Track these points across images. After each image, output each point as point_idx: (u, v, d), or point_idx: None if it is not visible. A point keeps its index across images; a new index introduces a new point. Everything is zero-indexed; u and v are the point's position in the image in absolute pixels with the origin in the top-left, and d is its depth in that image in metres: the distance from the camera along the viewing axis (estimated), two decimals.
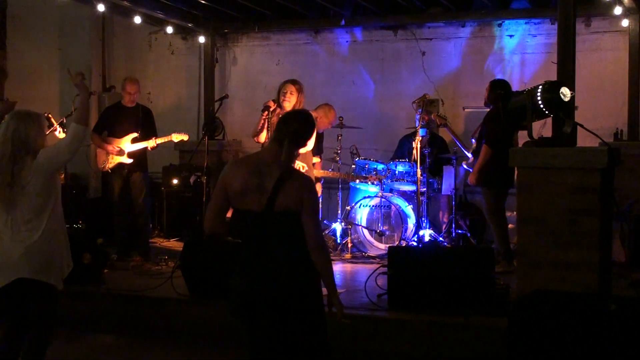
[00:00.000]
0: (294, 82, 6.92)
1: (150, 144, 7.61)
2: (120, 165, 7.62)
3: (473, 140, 7.57)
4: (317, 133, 7.19)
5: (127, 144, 7.60)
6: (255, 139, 6.92)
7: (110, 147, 7.56)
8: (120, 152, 7.57)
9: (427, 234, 7.77)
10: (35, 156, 4.13)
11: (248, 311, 3.50)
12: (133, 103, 7.75)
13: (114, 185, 7.75)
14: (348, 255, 7.95)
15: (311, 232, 3.47)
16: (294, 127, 3.57)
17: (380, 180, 8.01)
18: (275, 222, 3.45)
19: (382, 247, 7.90)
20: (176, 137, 7.75)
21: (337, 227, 8.25)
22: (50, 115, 7.33)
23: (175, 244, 8.63)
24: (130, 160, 7.60)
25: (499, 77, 8.70)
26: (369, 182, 8.03)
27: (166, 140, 7.72)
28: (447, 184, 8.38)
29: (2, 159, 4.06)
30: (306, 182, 3.57)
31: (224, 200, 3.57)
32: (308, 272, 3.52)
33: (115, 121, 7.70)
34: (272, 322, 3.47)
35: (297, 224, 3.47)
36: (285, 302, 3.45)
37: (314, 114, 7.25)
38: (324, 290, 3.62)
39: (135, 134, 7.61)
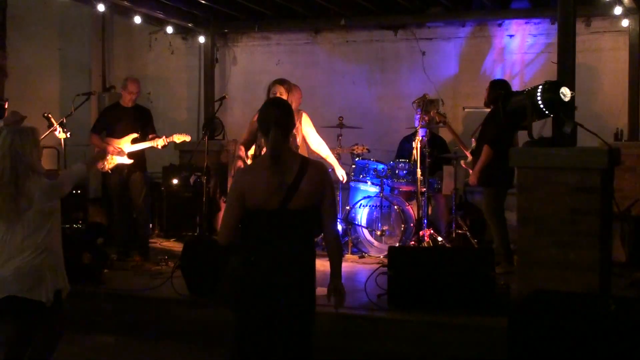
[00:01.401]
0: (282, 82, 6.90)
1: (160, 142, 7.59)
2: (120, 165, 7.61)
3: (473, 140, 7.55)
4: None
5: (127, 145, 7.60)
6: (242, 149, 6.50)
7: (110, 148, 7.55)
8: (121, 153, 7.56)
9: (427, 234, 7.77)
10: (40, 175, 4.15)
11: (241, 298, 3.50)
12: (132, 103, 7.75)
13: (114, 185, 7.75)
14: (348, 255, 7.95)
15: (330, 221, 3.59)
16: (280, 119, 3.55)
17: (367, 150, 8.22)
18: (291, 218, 3.46)
19: (382, 247, 7.90)
20: (178, 138, 7.73)
21: (337, 227, 8.23)
22: (50, 115, 7.32)
23: (175, 244, 8.62)
24: (130, 161, 7.59)
25: (498, 77, 8.71)
26: (356, 152, 8.14)
27: (168, 141, 7.70)
28: (447, 184, 8.37)
29: (4, 173, 4.09)
30: (325, 170, 3.63)
31: (240, 211, 3.52)
32: (310, 270, 3.55)
33: (114, 122, 7.69)
34: (263, 315, 3.47)
35: (312, 218, 3.52)
36: (282, 295, 3.46)
37: (290, 98, 7.16)
38: (320, 291, 3.64)
39: (135, 135, 7.60)
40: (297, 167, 3.48)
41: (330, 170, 8.12)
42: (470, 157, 7.41)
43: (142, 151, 7.70)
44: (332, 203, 3.60)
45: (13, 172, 4.08)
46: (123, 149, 7.57)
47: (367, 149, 8.22)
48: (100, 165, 7.70)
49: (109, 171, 7.67)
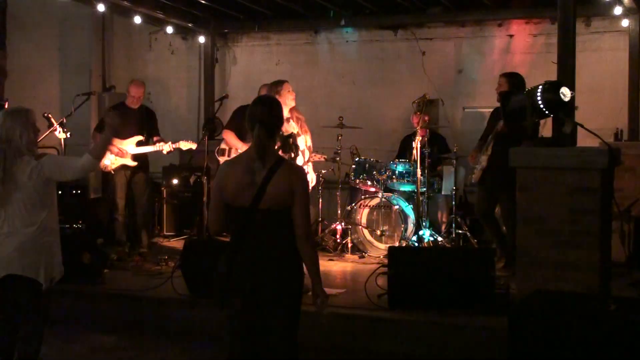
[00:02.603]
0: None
1: (166, 148, 7.60)
2: (124, 166, 7.62)
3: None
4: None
5: (132, 147, 7.60)
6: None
7: (115, 149, 7.54)
8: (125, 154, 7.57)
9: (427, 234, 7.77)
10: (33, 155, 4.16)
11: (226, 297, 3.52)
12: (138, 104, 7.74)
13: (116, 185, 7.74)
14: (348, 255, 7.95)
15: (300, 223, 3.51)
16: (270, 116, 3.57)
17: (325, 159, 8.17)
18: (262, 216, 3.47)
19: (382, 247, 7.90)
20: (184, 145, 7.72)
21: (337, 227, 8.25)
22: (50, 115, 7.33)
23: (175, 244, 8.63)
24: (134, 164, 7.60)
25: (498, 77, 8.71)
26: (312, 160, 7.90)
27: (174, 147, 7.70)
28: (447, 184, 8.37)
29: None
30: (297, 171, 3.59)
31: (222, 201, 3.60)
32: (291, 270, 3.54)
33: (119, 122, 7.65)
34: (248, 313, 3.49)
35: (284, 219, 3.50)
36: (263, 295, 3.47)
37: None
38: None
39: (140, 137, 7.62)
40: (269, 167, 3.48)
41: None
42: (486, 159, 7.06)
43: (146, 153, 7.71)
44: (303, 207, 3.51)
45: (1, 155, 4.08)
46: (128, 151, 7.57)
47: (324, 158, 8.17)
48: (103, 165, 7.70)
49: (112, 171, 7.67)
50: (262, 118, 3.55)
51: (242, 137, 7.07)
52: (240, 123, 6.82)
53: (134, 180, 7.70)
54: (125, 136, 7.60)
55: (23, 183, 4.10)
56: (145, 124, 7.73)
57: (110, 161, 7.61)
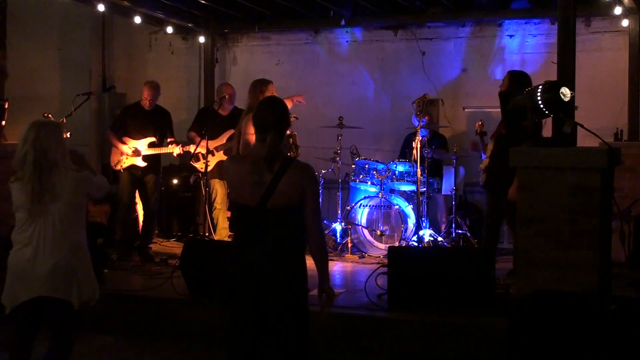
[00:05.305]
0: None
1: (177, 150, 7.63)
2: (134, 166, 7.62)
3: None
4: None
5: (144, 148, 7.60)
6: None
7: (126, 148, 7.55)
8: (136, 154, 7.57)
9: (427, 234, 7.77)
10: (69, 167, 4.11)
11: (232, 297, 3.52)
12: (151, 106, 7.74)
13: (125, 185, 7.73)
14: (348, 255, 7.95)
15: (312, 220, 3.53)
16: (278, 122, 3.57)
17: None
18: (270, 216, 3.47)
19: (382, 247, 7.90)
20: (194, 149, 7.72)
21: (337, 227, 8.25)
22: (50, 115, 7.33)
23: (175, 244, 8.63)
24: (144, 164, 7.61)
25: (498, 77, 8.72)
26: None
27: (184, 150, 7.72)
28: (447, 184, 8.37)
29: (25, 168, 4.00)
30: (307, 169, 3.58)
31: None
32: (297, 271, 3.54)
33: (132, 122, 7.70)
34: (253, 314, 3.49)
35: (292, 218, 3.50)
36: (269, 296, 3.46)
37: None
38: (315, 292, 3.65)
39: (153, 139, 7.62)
40: (278, 166, 3.48)
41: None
42: (488, 161, 7.06)
43: (158, 154, 7.73)
44: (315, 205, 3.54)
45: (36, 168, 3.99)
46: (139, 150, 7.58)
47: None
48: (113, 163, 7.71)
49: (122, 170, 7.67)
50: (275, 123, 3.53)
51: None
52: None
53: (145, 181, 7.72)
54: (138, 136, 7.62)
55: (62, 196, 4.01)
56: (159, 125, 7.75)
57: (121, 160, 7.61)
